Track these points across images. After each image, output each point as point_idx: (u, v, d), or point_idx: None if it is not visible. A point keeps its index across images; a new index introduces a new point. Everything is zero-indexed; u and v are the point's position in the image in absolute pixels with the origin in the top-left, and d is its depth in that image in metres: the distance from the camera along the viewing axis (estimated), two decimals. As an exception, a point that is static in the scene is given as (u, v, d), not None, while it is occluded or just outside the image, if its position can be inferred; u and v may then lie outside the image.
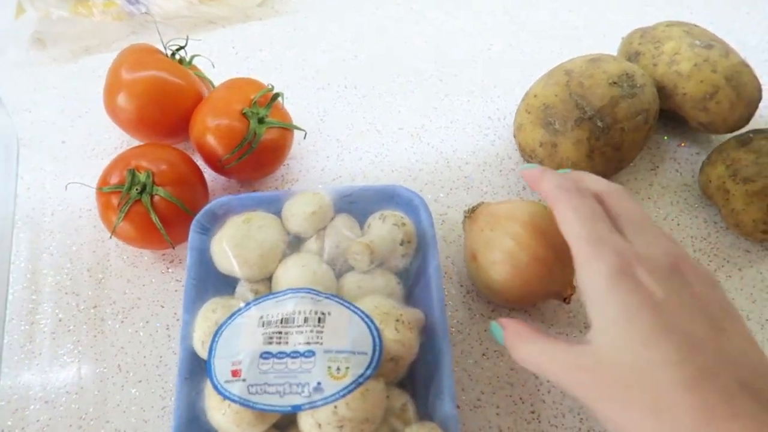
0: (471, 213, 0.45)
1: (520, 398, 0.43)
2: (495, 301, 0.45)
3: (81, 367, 0.45)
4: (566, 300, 0.41)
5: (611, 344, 0.28)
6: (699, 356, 0.27)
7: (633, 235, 0.31)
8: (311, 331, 0.36)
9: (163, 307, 0.47)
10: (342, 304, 0.38)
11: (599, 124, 0.46)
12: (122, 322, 0.47)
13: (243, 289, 0.41)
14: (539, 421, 0.42)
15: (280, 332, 0.36)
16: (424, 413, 0.38)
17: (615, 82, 0.47)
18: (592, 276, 0.30)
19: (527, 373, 0.44)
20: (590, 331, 0.30)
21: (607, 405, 0.28)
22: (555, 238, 0.39)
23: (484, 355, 0.44)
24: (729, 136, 0.50)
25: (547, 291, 0.41)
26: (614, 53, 0.57)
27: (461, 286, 0.47)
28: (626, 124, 0.46)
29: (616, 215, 0.33)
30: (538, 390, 0.43)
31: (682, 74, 0.48)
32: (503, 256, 0.40)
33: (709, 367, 0.26)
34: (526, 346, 0.33)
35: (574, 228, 0.31)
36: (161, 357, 0.45)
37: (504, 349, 0.44)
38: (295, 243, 0.43)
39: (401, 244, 0.42)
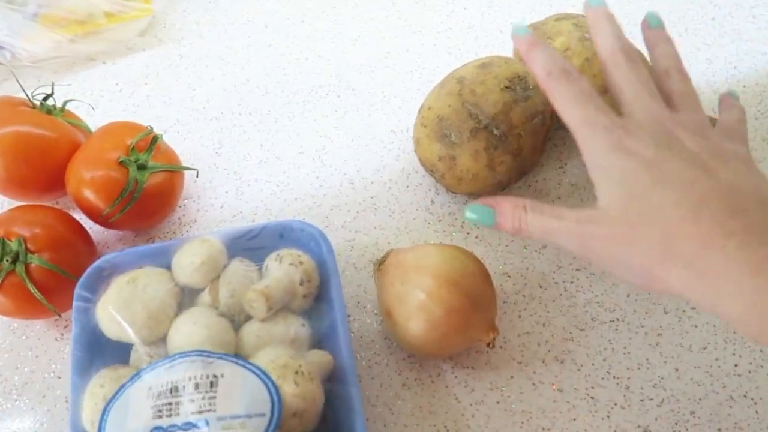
0: (380, 265, 0.42)
1: (445, 426, 0.41)
2: (417, 355, 0.43)
3: (-26, 456, 0.41)
4: (489, 345, 0.40)
5: (619, 199, 0.33)
6: (692, 193, 0.31)
7: (624, 106, 0.36)
8: (203, 398, 0.34)
9: (60, 378, 0.44)
10: (235, 362, 0.35)
11: (495, 132, 0.44)
12: (15, 400, 0.43)
13: (137, 355, 0.39)
14: (464, 449, 0.41)
15: (170, 403, 0.34)
16: (341, 461, 0.36)
17: (507, 87, 0.45)
18: (591, 151, 0.34)
19: (449, 400, 0.42)
20: (598, 201, 0.34)
21: (618, 249, 0.33)
22: (468, 283, 0.39)
23: (404, 385, 0.43)
24: (629, 126, 0.50)
25: (467, 339, 0.40)
26: (511, 51, 0.56)
27: (375, 314, 0.45)
28: (523, 129, 0.45)
29: (612, 84, 0.38)
30: (463, 415, 0.42)
31: (575, 70, 0.47)
32: (417, 311, 0.38)
33: (702, 200, 0.31)
34: (533, 215, 0.35)
35: (569, 113, 0.36)
36: (62, 433, 0.42)
37: (426, 377, 0.43)
38: (188, 296, 0.40)
39: (301, 284, 0.40)
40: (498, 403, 0.42)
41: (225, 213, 0.50)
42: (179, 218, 0.50)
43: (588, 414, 0.41)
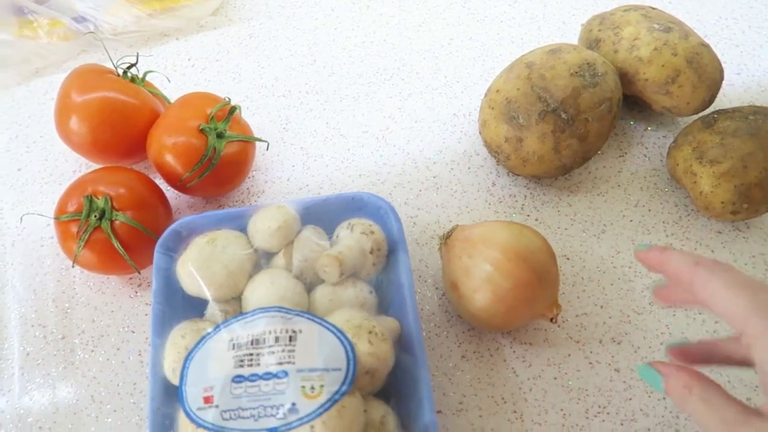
0: (446, 239, 0.43)
1: (502, 398, 0.42)
2: (479, 328, 0.45)
3: (53, 400, 0.44)
4: (553, 320, 0.41)
5: None
6: None
7: None
8: (283, 351, 0.35)
9: (133, 332, 0.46)
10: (313, 320, 0.37)
11: (563, 115, 0.45)
12: (92, 351, 0.45)
13: (213, 311, 0.40)
14: (522, 420, 0.42)
15: (251, 354, 0.36)
16: (406, 422, 0.37)
17: (576, 72, 0.46)
18: None
19: (507, 373, 0.43)
20: None
21: None
22: (535, 258, 0.40)
23: (463, 357, 0.44)
24: (694, 117, 0.50)
25: (532, 313, 0.40)
26: (575, 41, 0.56)
27: (436, 288, 0.47)
28: (590, 114, 0.46)
29: None
30: (520, 388, 0.43)
31: (643, 59, 0.48)
32: (484, 284, 0.39)
33: None
34: (698, 404, 0.29)
35: (735, 302, 0.28)
36: (135, 384, 0.44)
37: (484, 350, 0.44)
38: (263, 258, 0.42)
39: (371, 253, 0.42)
40: (555, 379, 0.43)
41: (291, 185, 0.52)
42: (248, 188, 0.52)
43: (644, 395, 0.42)
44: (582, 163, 0.48)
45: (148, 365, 0.44)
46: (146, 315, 0.46)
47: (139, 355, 0.45)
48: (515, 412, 0.42)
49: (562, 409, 0.42)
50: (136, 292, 0.47)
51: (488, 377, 0.43)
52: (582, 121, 0.46)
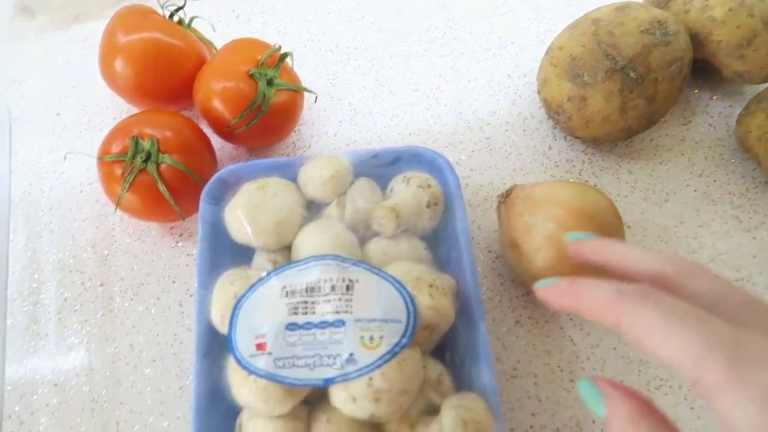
0: (506, 198, 0.41)
1: (558, 366, 0.41)
2: None
3: (90, 347, 0.42)
4: None
5: None
6: None
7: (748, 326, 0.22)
8: (339, 300, 0.34)
9: (174, 282, 0.44)
10: (371, 270, 0.35)
11: (632, 74, 0.43)
12: (132, 299, 0.44)
13: (261, 260, 0.39)
14: (579, 389, 0.40)
15: (306, 302, 0.34)
16: (460, 384, 0.35)
17: (647, 30, 0.44)
18: (739, 406, 0.20)
19: (564, 341, 0.41)
20: None
21: None
22: (602, 218, 0.37)
23: (517, 322, 0.42)
24: (765, 85, 0.48)
25: (596, 277, 0.38)
26: (640, 1, 0.54)
27: (489, 251, 0.45)
28: (660, 74, 0.43)
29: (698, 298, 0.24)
30: (577, 357, 0.41)
31: (717, 20, 0.45)
32: (547, 242, 0.37)
33: None
34: None
35: (679, 341, 0.21)
36: (175, 334, 0.43)
37: (539, 316, 0.42)
38: (313, 209, 0.40)
39: (428, 207, 0.40)
40: (615, 349, 0.41)
41: (339, 141, 0.50)
42: (294, 142, 0.50)
43: (708, 369, 0.40)
44: (647, 126, 0.46)
45: (190, 316, 0.43)
46: (187, 266, 0.45)
47: (180, 305, 0.44)
48: (572, 381, 0.40)
49: (621, 380, 0.39)
50: (177, 242, 0.46)
51: (543, 344, 0.41)
52: (651, 80, 0.43)
